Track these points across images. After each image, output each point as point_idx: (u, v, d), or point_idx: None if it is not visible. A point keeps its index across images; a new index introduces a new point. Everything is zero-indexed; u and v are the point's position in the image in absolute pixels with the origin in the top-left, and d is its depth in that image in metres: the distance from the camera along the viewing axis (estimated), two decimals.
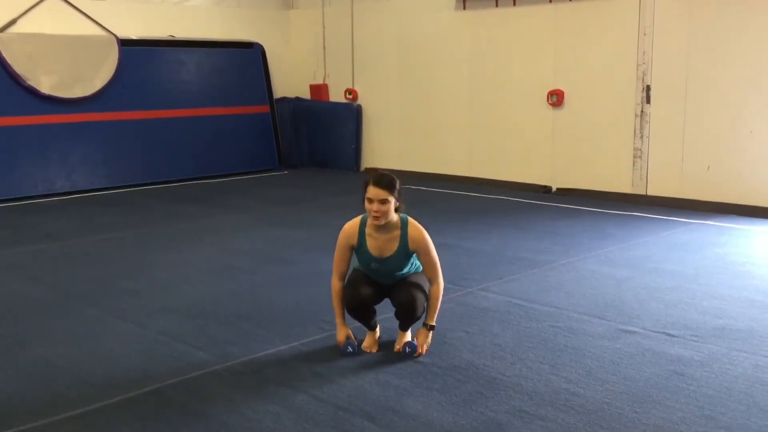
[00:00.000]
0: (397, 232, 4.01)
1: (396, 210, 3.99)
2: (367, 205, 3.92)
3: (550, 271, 5.77)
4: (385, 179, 3.91)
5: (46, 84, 9.51)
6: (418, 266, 4.17)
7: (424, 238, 4.02)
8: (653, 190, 8.61)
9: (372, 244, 4.03)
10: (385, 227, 3.99)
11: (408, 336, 4.18)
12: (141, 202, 9.06)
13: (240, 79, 11.49)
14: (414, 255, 4.10)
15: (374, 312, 4.18)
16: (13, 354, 4.20)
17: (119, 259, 6.30)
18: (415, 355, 4.03)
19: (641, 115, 8.60)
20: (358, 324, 4.21)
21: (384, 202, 3.88)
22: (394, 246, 4.01)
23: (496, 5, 9.71)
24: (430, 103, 10.60)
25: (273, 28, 12.25)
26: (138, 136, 10.37)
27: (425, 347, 4.07)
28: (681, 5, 8.16)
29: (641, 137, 8.62)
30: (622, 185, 8.84)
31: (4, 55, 9.19)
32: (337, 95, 11.81)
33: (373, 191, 3.87)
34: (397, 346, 4.12)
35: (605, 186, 8.97)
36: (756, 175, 7.84)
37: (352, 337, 4.12)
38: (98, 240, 7.03)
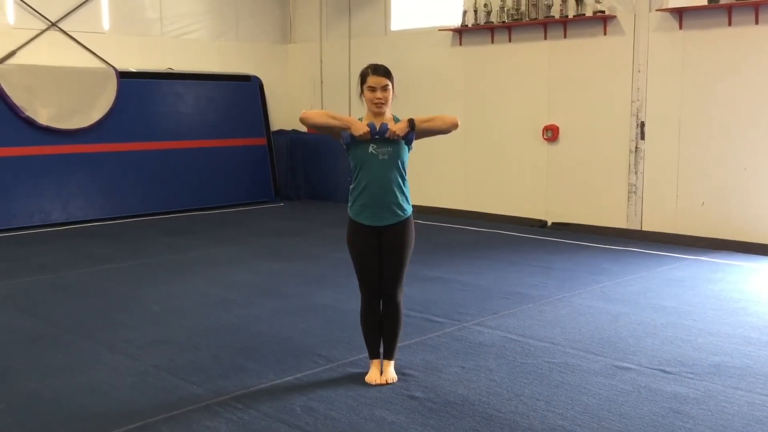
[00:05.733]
0: (392, 121, 4.16)
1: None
2: (368, 94, 4.07)
3: (546, 306, 5.75)
4: (383, 68, 4.10)
5: (43, 115, 9.54)
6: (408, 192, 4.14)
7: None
8: (648, 226, 8.63)
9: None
10: (382, 117, 4.11)
11: (392, 367, 4.19)
12: (136, 234, 9.04)
13: (237, 112, 11.55)
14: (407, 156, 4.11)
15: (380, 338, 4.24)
16: (4, 387, 4.16)
17: (113, 291, 6.27)
18: (386, 134, 4.01)
19: (636, 151, 8.65)
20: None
21: (385, 88, 4.06)
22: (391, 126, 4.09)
23: (492, 41, 9.81)
24: None
25: (271, 62, 12.36)
26: (135, 167, 10.40)
27: (397, 132, 4.03)
28: (675, 42, 8.26)
29: (636, 173, 8.67)
30: (617, 220, 8.87)
31: (3, 86, 9.23)
32: None
33: (374, 80, 4.05)
34: (383, 377, 4.14)
35: (600, 221, 8.99)
36: (750, 212, 7.87)
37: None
38: (92, 272, 7.00)
